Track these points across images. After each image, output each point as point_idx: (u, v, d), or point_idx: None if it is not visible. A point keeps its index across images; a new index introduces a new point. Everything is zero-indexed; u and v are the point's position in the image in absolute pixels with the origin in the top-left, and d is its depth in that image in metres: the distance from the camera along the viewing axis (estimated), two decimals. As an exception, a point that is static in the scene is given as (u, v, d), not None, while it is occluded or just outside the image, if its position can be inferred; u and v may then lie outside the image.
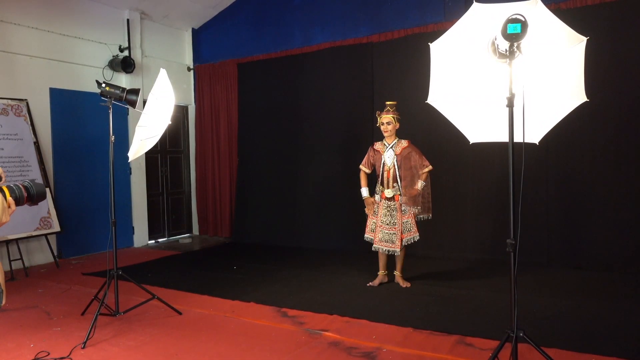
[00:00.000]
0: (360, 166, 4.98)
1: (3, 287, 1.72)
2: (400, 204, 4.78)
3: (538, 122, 2.93)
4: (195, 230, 8.67)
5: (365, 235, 4.97)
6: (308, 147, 7.32)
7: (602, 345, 3.32)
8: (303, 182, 7.36)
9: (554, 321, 3.83)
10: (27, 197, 1.78)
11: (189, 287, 5.05)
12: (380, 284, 4.95)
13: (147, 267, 6.13)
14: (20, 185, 1.81)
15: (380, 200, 4.86)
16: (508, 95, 2.62)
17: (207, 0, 7.96)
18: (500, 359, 2.76)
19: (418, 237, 4.83)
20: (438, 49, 3.01)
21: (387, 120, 4.77)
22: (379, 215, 4.85)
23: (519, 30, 2.47)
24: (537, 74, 2.83)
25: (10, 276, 5.60)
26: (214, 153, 8.33)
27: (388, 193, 4.78)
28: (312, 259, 6.34)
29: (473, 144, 3.17)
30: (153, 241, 7.96)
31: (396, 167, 4.78)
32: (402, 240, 4.77)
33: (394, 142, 4.83)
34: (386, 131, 4.80)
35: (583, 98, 2.86)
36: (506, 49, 2.57)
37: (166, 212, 8.30)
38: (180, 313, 4.21)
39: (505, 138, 2.73)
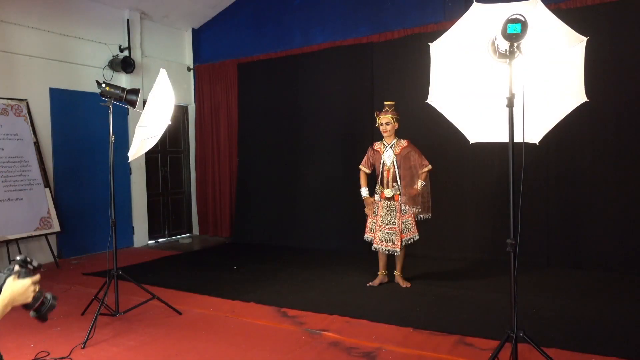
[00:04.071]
0: (360, 166, 4.99)
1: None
2: (400, 204, 4.78)
3: (538, 122, 2.93)
4: (195, 230, 8.67)
5: (365, 235, 4.97)
6: (308, 147, 7.32)
7: (602, 345, 3.32)
8: (303, 182, 7.35)
9: (554, 321, 3.83)
10: (36, 306, 1.75)
11: (189, 287, 5.05)
12: (381, 284, 4.95)
13: (147, 267, 6.13)
14: (44, 295, 1.77)
15: (380, 200, 4.85)
16: (508, 95, 2.62)
17: (207, 0, 7.97)
18: (500, 359, 2.76)
19: (418, 237, 4.83)
20: (438, 49, 3.01)
21: (385, 121, 4.78)
22: (378, 215, 4.84)
23: (519, 30, 2.47)
24: (537, 74, 2.83)
25: (10, 276, 5.60)
26: (214, 153, 8.33)
27: (388, 193, 4.79)
28: (312, 259, 6.34)
29: (473, 144, 3.17)
30: (153, 241, 7.96)
31: (395, 166, 4.78)
32: (401, 240, 4.77)
33: (393, 141, 4.83)
34: (385, 131, 4.80)
35: (583, 98, 2.86)
36: (506, 49, 2.57)
37: (166, 212, 8.30)
38: (180, 313, 4.21)
39: (505, 138, 2.73)
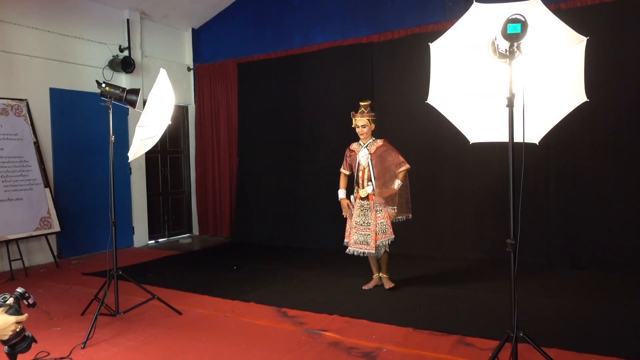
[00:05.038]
0: (340, 169, 4.94)
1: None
2: (375, 204, 4.64)
3: (538, 122, 2.93)
4: (195, 230, 8.67)
5: (345, 240, 4.83)
6: (308, 147, 7.32)
7: (602, 345, 3.32)
8: (303, 182, 7.36)
9: (554, 321, 3.83)
10: (11, 343, 1.74)
11: (189, 287, 5.05)
12: (376, 286, 4.89)
13: (147, 267, 6.13)
14: (23, 334, 1.77)
15: (355, 201, 4.74)
16: (508, 95, 2.62)
17: (207, 0, 7.97)
18: (500, 359, 2.76)
19: (393, 238, 4.65)
20: (438, 49, 3.01)
21: (362, 123, 4.65)
22: (353, 216, 4.72)
23: (519, 30, 2.47)
24: (537, 74, 2.82)
25: (10, 276, 5.60)
26: (214, 153, 8.33)
27: (362, 193, 4.66)
28: (312, 259, 6.34)
29: (473, 144, 3.17)
30: (153, 241, 7.97)
31: (370, 166, 4.65)
32: (376, 241, 4.60)
33: (370, 141, 4.71)
34: (362, 134, 4.68)
35: (583, 98, 2.86)
36: (506, 49, 2.56)
37: (166, 212, 8.30)
38: (180, 313, 4.21)
39: (505, 138, 2.73)
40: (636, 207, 5.22)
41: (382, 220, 4.62)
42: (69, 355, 3.38)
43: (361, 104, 4.69)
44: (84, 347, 3.50)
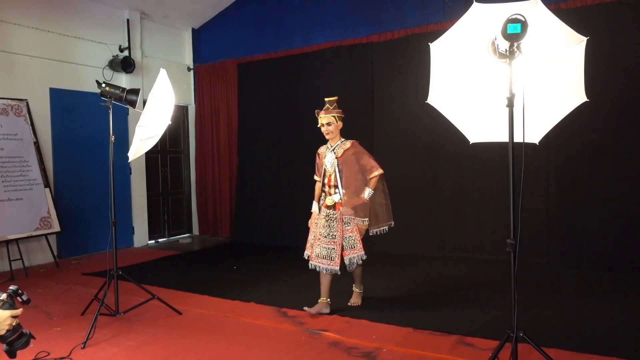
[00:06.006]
0: (314, 176, 4.42)
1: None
2: (342, 215, 4.10)
3: (538, 122, 2.93)
4: (195, 230, 8.67)
5: (305, 252, 4.28)
6: (308, 146, 7.30)
7: (602, 345, 3.32)
8: (303, 182, 7.33)
9: (554, 321, 3.83)
10: (8, 340, 1.74)
11: (189, 287, 5.05)
12: (320, 314, 4.09)
13: (147, 267, 6.13)
14: (21, 331, 1.77)
15: (320, 210, 4.23)
16: (508, 95, 2.62)
17: (207, 0, 7.97)
18: (500, 359, 2.76)
19: (365, 257, 4.14)
20: (438, 49, 3.01)
21: (327, 121, 4.10)
22: (318, 227, 4.19)
23: (519, 30, 2.47)
24: (537, 74, 2.82)
25: (10, 276, 5.60)
26: (214, 153, 8.33)
27: (329, 201, 4.12)
28: (312, 259, 6.33)
29: (473, 144, 3.17)
30: (153, 241, 7.97)
31: (337, 172, 4.12)
32: (342, 258, 4.07)
33: (338, 143, 4.18)
34: (327, 133, 4.14)
35: (583, 98, 2.86)
36: (506, 49, 2.56)
37: (166, 212, 8.30)
38: (180, 313, 4.21)
39: (505, 138, 2.73)
40: (636, 207, 5.21)
41: (350, 234, 4.10)
42: (69, 355, 3.38)
43: (326, 100, 4.18)
44: (84, 347, 3.50)
